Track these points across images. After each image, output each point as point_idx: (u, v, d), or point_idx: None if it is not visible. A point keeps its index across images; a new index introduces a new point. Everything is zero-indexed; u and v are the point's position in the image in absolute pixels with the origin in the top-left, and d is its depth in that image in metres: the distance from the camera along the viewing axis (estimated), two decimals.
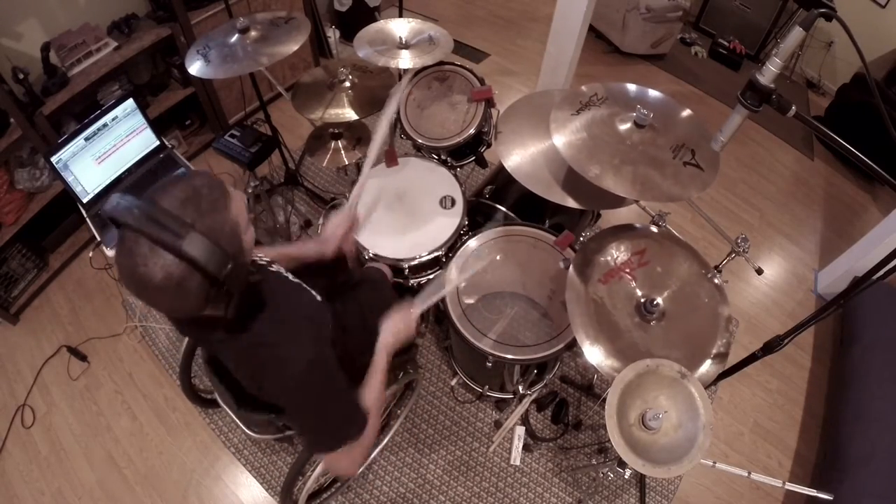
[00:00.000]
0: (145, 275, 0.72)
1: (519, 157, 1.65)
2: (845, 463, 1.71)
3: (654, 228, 1.49)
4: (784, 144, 3.09)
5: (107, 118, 1.90)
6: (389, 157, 1.82)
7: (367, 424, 1.01)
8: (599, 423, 1.91)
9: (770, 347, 1.26)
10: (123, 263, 0.73)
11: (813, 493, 1.20)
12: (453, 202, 1.72)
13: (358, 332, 1.38)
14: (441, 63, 1.82)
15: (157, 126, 2.11)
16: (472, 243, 1.65)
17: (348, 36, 2.26)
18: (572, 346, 1.44)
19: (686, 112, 1.45)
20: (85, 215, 1.94)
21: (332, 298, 1.48)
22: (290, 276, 1.16)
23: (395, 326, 1.21)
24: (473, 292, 1.65)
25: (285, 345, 0.92)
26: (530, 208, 1.80)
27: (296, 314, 0.98)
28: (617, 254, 1.43)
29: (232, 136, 2.06)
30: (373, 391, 1.10)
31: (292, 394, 0.96)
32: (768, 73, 0.95)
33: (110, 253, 1.87)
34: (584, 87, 1.49)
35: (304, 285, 1.17)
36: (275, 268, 1.16)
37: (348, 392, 1.02)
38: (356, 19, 3.06)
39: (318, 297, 1.16)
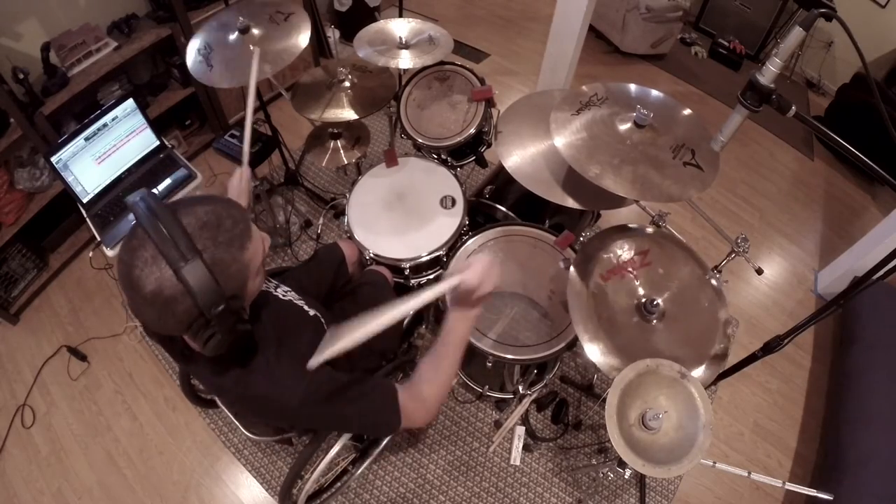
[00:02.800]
0: (139, 279, 0.70)
1: (519, 157, 1.65)
2: (845, 463, 1.71)
3: (655, 229, 1.49)
4: (784, 144, 3.09)
5: (107, 118, 1.90)
6: (389, 157, 1.82)
7: (397, 393, 0.95)
8: (599, 423, 1.91)
9: (770, 347, 1.26)
10: (123, 259, 0.72)
11: (813, 493, 1.20)
12: (454, 202, 1.73)
13: None
14: (441, 63, 1.82)
15: (157, 126, 2.11)
16: (471, 243, 1.65)
17: (348, 36, 2.26)
18: (572, 345, 1.45)
19: (686, 112, 1.45)
20: (85, 215, 1.93)
21: (333, 302, 1.48)
22: (281, 294, 1.12)
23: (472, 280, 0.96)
24: None
25: (274, 392, 0.90)
26: (530, 208, 1.80)
27: (284, 354, 0.92)
28: (620, 252, 1.43)
29: (232, 136, 2.06)
30: (438, 362, 1.00)
31: (302, 422, 0.95)
32: (768, 73, 0.95)
33: (110, 253, 1.86)
34: (584, 87, 1.49)
35: (295, 301, 1.13)
36: (279, 291, 1.13)
37: (358, 386, 0.96)
38: (356, 19, 3.06)
39: (310, 312, 1.12)
